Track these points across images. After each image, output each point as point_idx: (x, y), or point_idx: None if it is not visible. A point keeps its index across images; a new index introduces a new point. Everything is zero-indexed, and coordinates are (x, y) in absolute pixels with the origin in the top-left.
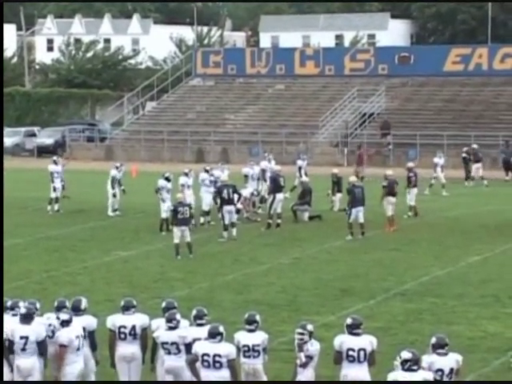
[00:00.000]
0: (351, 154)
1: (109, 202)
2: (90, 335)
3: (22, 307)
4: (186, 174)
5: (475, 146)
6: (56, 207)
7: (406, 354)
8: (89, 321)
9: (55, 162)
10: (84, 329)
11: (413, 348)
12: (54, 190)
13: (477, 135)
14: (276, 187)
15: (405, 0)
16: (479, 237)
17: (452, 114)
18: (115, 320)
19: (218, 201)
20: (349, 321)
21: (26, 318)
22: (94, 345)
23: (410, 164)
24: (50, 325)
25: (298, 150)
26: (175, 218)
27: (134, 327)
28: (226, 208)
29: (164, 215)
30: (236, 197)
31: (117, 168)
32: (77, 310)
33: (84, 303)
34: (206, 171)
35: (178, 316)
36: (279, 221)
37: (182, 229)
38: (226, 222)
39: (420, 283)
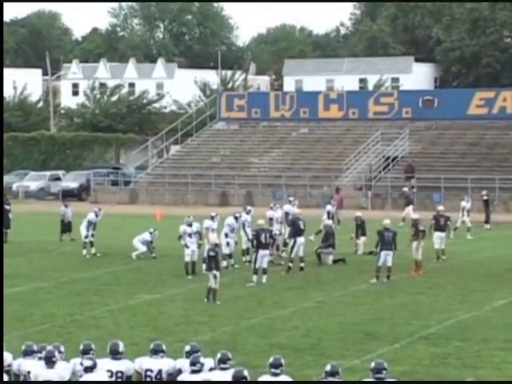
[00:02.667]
0: (375, 197)
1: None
2: (128, 380)
3: (44, 352)
4: (212, 218)
5: (406, 188)
6: (93, 250)
7: None
8: (127, 365)
9: (96, 215)
10: (122, 373)
11: None
12: (92, 236)
13: (501, 178)
14: (296, 231)
15: None
16: (504, 280)
17: (476, 157)
18: (142, 363)
19: (255, 243)
20: (372, 365)
21: (49, 362)
22: None
23: (440, 208)
24: (78, 370)
25: (323, 193)
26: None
27: (160, 372)
28: (262, 252)
29: (187, 259)
30: (271, 241)
31: (188, 224)
32: (115, 353)
33: (121, 346)
34: (235, 218)
35: (202, 359)
36: (302, 264)
37: (212, 273)
38: (258, 265)
39: (445, 327)
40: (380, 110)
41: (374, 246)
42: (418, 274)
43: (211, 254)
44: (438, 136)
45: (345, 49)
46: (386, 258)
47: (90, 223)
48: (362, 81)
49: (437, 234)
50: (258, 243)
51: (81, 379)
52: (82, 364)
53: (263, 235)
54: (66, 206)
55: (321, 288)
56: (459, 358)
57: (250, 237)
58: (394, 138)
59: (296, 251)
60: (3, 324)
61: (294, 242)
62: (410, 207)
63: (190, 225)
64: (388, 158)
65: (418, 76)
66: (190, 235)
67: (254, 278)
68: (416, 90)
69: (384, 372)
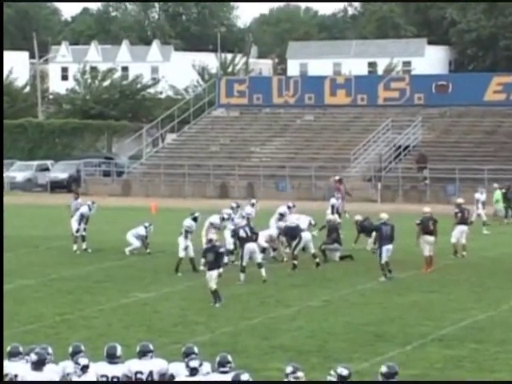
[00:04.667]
0: (385, 189)
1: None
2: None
3: (33, 354)
4: (223, 219)
5: (337, 177)
6: (84, 245)
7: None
8: (125, 370)
9: (89, 208)
10: (118, 378)
11: None
12: (84, 230)
13: None
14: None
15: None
16: None
17: (493, 146)
18: (131, 365)
19: (237, 241)
20: (383, 369)
21: (37, 365)
22: None
23: (459, 200)
24: (67, 374)
25: (329, 185)
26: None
27: (151, 373)
28: (248, 245)
29: (182, 254)
30: (254, 237)
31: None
32: (112, 357)
33: (119, 350)
34: (232, 208)
35: (198, 362)
36: (317, 260)
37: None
38: (245, 262)
39: (459, 328)
40: (390, 96)
41: (373, 242)
42: (427, 272)
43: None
44: (453, 124)
45: (353, 30)
46: (388, 253)
47: (82, 217)
48: (372, 65)
49: (461, 228)
50: (240, 239)
51: (78, 379)
52: (77, 363)
53: (241, 230)
54: (76, 199)
55: (327, 286)
56: (475, 361)
57: (229, 238)
58: (406, 126)
59: (300, 248)
60: (3, 320)
61: (300, 238)
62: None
63: (195, 220)
64: (399, 147)
65: (432, 59)
66: (192, 232)
67: (242, 276)
68: (429, 75)
69: (396, 377)
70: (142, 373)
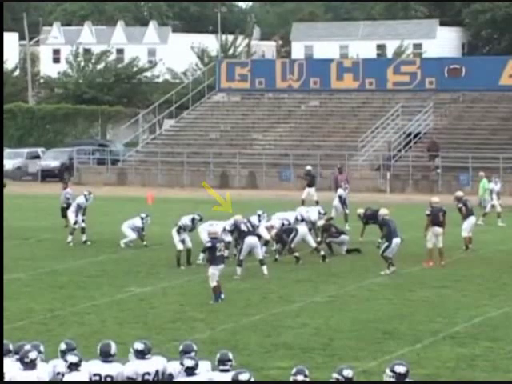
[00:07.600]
0: (394, 178)
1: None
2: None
3: (26, 353)
4: (230, 232)
5: (309, 167)
6: (84, 237)
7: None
8: (118, 369)
9: (86, 199)
10: (112, 377)
11: None
12: (82, 221)
13: None
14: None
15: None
16: None
17: (509, 133)
18: (137, 368)
19: (237, 234)
20: (402, 369)
21: (29, 364)
22: None
23: (458, 193)
24: (58, 373)
25: (335, 174)
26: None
27: (157, 372)
28: (249, 239)
29: (180, 247)
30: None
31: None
32: (106, 355)
33: (114, 348)
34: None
35: (195, 361)
36: (322, 253)
37: (220, 268)
38: (242, 256)
39: (473, 325)
40: (400, 80)
41: (381, 238)
42: (430, 265)
43: (209, 245)
44: (466, 110)
45: (361, 11)
46: (397, 247)
47: (79, 207)
48: (380, 47)
49: (471, 221)
50: (240, 233)
51: (64, 378)
52: (66, 360)
53: (243, 224)
54: (65, 188)
55: (332, 281)
56: (489, 360)
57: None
58: (416, 112)
59: (298, 241)
60: (3, 319)
61: (296, 231)
62: (312, 189)
63: (193, 221)
64: (409, 134)
65: (444, 42)
66: (188, 230)
67: (239, 270)
68: (441, 58)
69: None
70: (149, 373)
